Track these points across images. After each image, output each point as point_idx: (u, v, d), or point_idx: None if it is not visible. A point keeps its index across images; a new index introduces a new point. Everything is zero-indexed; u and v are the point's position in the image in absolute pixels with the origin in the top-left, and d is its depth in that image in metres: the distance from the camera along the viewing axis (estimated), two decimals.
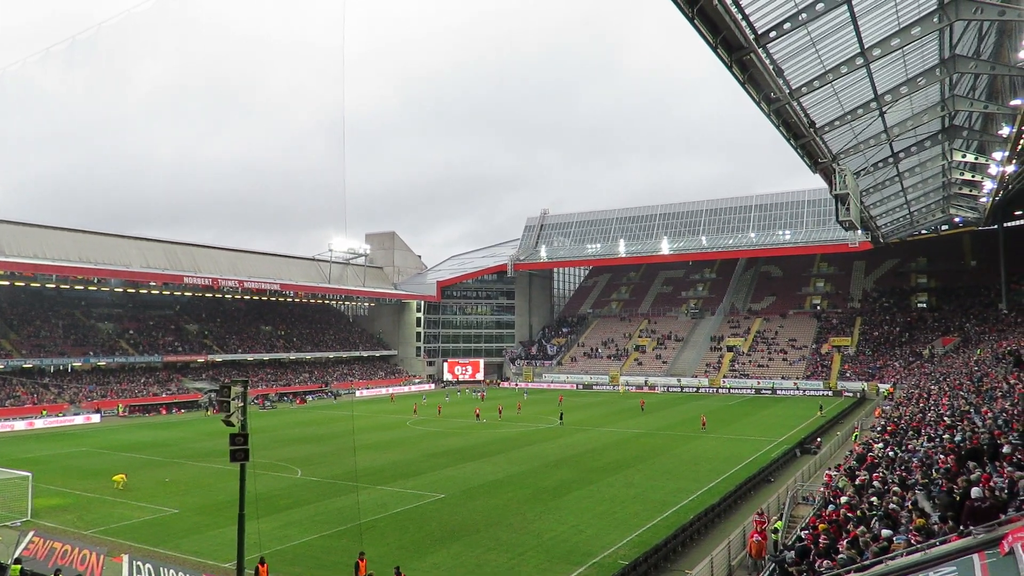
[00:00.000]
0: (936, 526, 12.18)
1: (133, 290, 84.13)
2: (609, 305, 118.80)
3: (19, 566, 20.82)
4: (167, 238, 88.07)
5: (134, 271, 76.18)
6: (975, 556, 9.82)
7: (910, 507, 14.27)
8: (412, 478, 35.95)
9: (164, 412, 71.27)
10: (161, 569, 19.14)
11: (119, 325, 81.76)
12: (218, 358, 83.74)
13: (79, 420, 63.55)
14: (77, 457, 44.32)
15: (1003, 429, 18.23)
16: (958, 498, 12.46)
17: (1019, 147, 32.69)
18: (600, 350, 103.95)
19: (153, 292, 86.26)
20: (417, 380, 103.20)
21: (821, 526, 17.58)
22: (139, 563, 19.63)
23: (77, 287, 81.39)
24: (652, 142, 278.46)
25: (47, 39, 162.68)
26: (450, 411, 67.30)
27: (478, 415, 61.55)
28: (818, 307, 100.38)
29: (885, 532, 13.09)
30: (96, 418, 64.94)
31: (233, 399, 16.04)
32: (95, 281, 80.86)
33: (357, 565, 19.55)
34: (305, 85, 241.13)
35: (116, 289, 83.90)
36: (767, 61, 24.56)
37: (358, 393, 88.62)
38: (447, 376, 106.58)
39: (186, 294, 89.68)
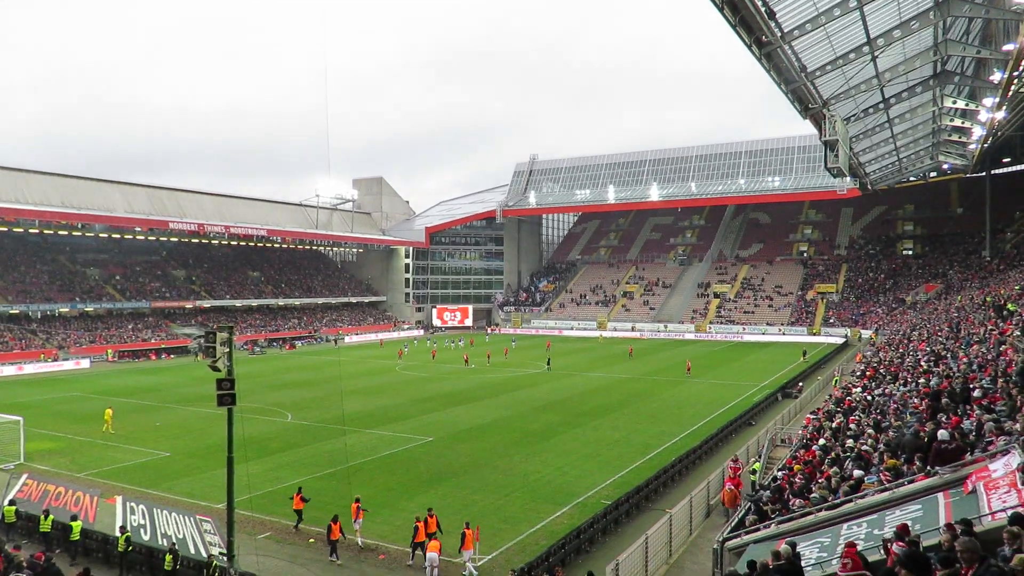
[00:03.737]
0: (905, 467, 12.59)
1: (118, 236, 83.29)
2: (598, 252, 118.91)
3: (13, 507, 21.19)
4: (152, 183, 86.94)
5: (118, 216, 75.26)
6: (940, 495, 10.20)
7: (883, 449, 14.71)
8: (400, 422, 36.47)
9: (154, 357, 71.50)
10: (155, 510, 19.53)
11: (105, 271, 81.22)
12: (206, 304, 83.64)
13: (69, 365, 63.71)
14: (68, 402, 44.61)
15: (976, 373, 18.65)
16: (926, 440, 12.84)
17: (1010, 93, 32.52)
18: (588, 296, 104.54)
19: (139, 238, 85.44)
20: (406, 326, 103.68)
21: (796, 467, 18.12)
22: (133, 504, 20.01)
23: (61, 232, 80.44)
24: (647, 91, 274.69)
25: None
26: (439, 356, 67.87)
27: (467, 361, 62.13)
28: (804, 254, 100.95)
29: (857, 472, 13.51)
30: (86, 363, 65.12)
31: (220, 345, 16.11)
32: (79, 227, 79.92)
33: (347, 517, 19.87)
34: (297, 28, 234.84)
35: (101, 235, 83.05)
36: (759, 3, 24.11)
37: (347, 339, 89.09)
38: (436, 322, 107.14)
39: (172, 240, 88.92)
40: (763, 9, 24.54)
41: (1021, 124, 47.95)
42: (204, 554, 17.63)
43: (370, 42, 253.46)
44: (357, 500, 20.45)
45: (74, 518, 19.65)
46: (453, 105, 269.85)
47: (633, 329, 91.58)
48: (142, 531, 19.19)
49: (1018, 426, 11.34)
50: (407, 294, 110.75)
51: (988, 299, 39.60)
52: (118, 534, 18.74)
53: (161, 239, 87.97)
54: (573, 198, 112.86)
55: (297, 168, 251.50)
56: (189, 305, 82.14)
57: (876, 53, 30.10)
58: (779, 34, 26.65)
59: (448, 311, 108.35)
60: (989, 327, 27.24)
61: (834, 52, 30.52)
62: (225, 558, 16.56)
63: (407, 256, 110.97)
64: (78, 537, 19.43)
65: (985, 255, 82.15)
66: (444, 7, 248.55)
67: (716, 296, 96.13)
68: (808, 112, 36.16)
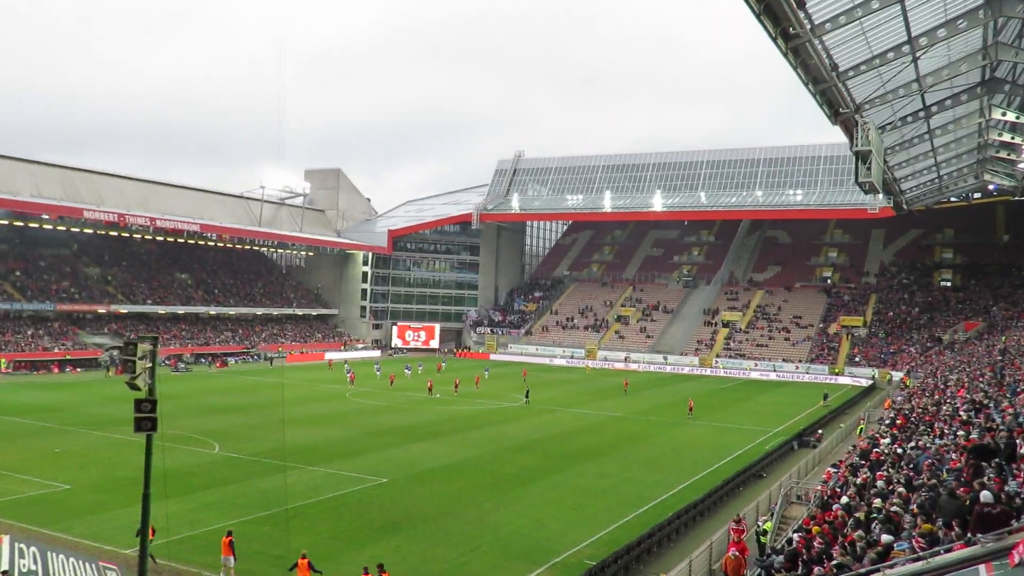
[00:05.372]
0: (942, 532, 12.69)
1: (21, 223, 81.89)
2: (589, 267, 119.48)
3: None
4: (65, 163, 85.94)
5: (22, 200, 74.27)
6: (982, 567, 10.26)
7: (915, 511, 14.82)
8: (350, 459, 36.14)
9: (56, 370, 70.36)
10: (49, 554, 19.11)
11: (3, 264, 79.90)
12: (123, 309, 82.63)
13: None
14: None
15: None
16: (967, 503, 12.95)
17: None
18: (576, 320, 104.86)
19: (46, 227, 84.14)
20: (360, 345, 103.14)
21: (815, 528, 18.18)
22: (22, 546, 19.55)
23: None
24: (656, 89, 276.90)
25: None
26: (398, 383, 67.51)
27: (431, 389, 61.90)
28: (828, 280, 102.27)
29: (885, 537, 13.58)
30: None
31: (140, 358, 15.89)
32: None
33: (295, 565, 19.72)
34: None
35: (0, 221, 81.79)
36: None
37: (285, 357, 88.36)
38: (396, 342, 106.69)
39: (86, 231, 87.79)
40: None
41: None
42: None
43: (335, 13, 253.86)
44: (229, 534, 20.80)
45: None
46: (430, 90, 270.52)
47: (627, 360, 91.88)
48: None
49: None
50: (363, 308, 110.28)
51: None
52: None
53: (72, 230, 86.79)
54: (563, 204, 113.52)
55: (239, 154, 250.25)
56: (102, 310, 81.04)
57: (918, 54, 30.67)
58: (809, 26, 27.07)
59: (411, 330, 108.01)
60: None
61: (870, 50, 31.05)
62: None
63: (365, 263, 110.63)
64: None
65: None
66: None
67: (725, 325, 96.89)
68: (838, 118, 36.70)
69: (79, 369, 71.84)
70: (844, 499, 20.00)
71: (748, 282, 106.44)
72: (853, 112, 35.13)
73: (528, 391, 60.10)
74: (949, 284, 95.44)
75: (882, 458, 24.39)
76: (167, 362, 74.63)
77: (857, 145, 33.91)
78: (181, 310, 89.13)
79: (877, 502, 17.77)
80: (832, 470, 26.65)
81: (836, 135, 40.80)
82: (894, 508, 16.02)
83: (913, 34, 29.50)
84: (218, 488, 30.17)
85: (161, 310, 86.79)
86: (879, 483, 20.13)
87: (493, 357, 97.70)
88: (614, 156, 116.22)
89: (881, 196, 70.12)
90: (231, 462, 34.91)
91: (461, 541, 24.67)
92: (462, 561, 22.96)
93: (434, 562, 22.68)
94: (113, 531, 24.40)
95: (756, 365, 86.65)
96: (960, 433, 21.53)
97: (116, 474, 31.81)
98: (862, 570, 12.40)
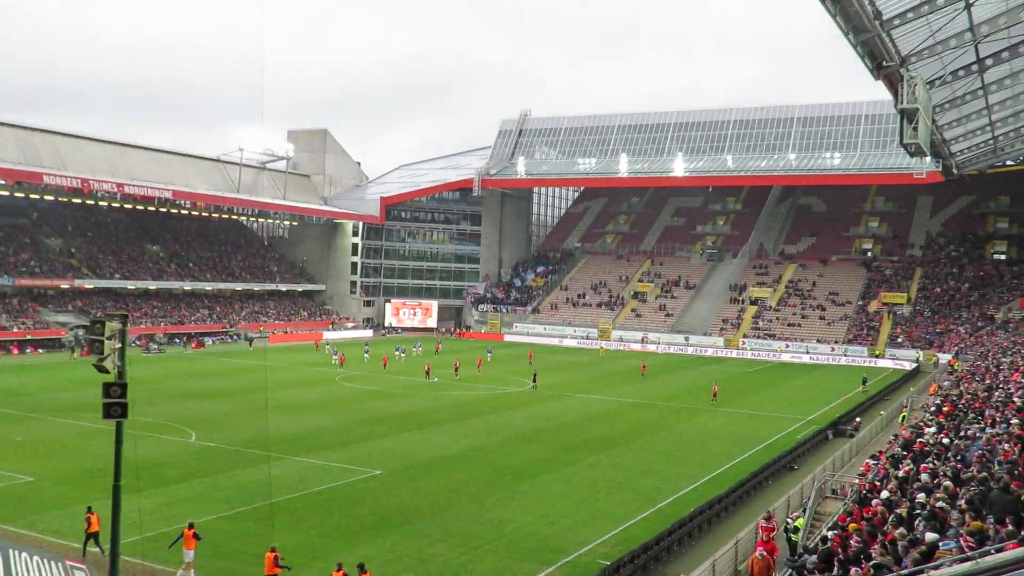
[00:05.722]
0: (993, 530, 12.71)
1: None
2: (603, 239, 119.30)
3: None
4: (23, 123, 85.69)
5: None
6: None
7: (963, 506, 14.85)
8: (340, 449, 36.35)
9: (16, 351, 70.70)
10: (11, 552, 19.24)
11: None
12: (88, 284, 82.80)
13: None
14: None
15: None
16: (1021, 498, 12.98)
17: None
18: (588, 296, 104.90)
19: (2, 193, 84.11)
20: (350, 324, 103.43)
21: (852, 526, 18.24)
22: None
23: None
24: (678, 40, 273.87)
25: None
26: (391, 366, 67.73)
27: (428, 373, 62.08)
28: (868, 253, 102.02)
29: (930, 536, 13.62)
30: None
31: (108, 338, 15.93)
32: None
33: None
34: None
35: None
36: None
37: (268, 337, 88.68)
38: (390, 320, 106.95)
39: (46, 198, 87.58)
40: None
41: None
42: None
43: None
44: (191, 526, 21.13)
45: None
46: (426, 42, 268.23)
47: (644, 341, 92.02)
48: None
49: None
50: (353, 283, 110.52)
51: None
52: None
53: (32, 197, 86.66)
54: (574, 168, 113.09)
55: (216, 113, 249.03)
56: (66, 285, 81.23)
57: (971, 0, 30.32)
58: None
59: (406, 307, 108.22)
60: None
61: None
62: None
63: (355, 234, 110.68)
64: None
65: None
66: None
67: (753, 303, 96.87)
68: (881, 72, 36.36)
69: (41, 350, 72.14)
70: (884, 494, 20.05)
71: (779, 255, 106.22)
72: (898, 65, 34.79)
73: (535, 375, 60.23)
74: (1003, 257, 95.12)
75: (927, 449, 24.41)
76: (138, 342, 74.94)
77: (902, 102, 33.60)
78: (152, 285, 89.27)
79: (921, 497, 17.81)
80: (871, 462, 26.70)
81: (879, 91, 40.36)
82: (940, 504, 16.05)
83: None
84: (195, 480, 30.35)
85: (130, 285, 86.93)
86: (923, 476, 20.16)
87: (503, 338, 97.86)
88: (631, 115, 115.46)
89: (928, 159, 69.69)
90: (209, 452, 35.08)
91: (462, 539, 24.80)
92: (463, 561, 23.09)
93: (432, 562, 22.82)
94: (81, 528, 24.56)
95: (787, 346, 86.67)
96: (1014, 421, 21.53)
97: (84, 465, 32.02)
98: (904, 571, 12.43)
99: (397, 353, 73.32)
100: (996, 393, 30.47)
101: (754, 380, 67.47)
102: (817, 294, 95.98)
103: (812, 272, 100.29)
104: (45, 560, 18.83)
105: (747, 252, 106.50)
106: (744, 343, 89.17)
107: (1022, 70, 42.41)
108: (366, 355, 73.02)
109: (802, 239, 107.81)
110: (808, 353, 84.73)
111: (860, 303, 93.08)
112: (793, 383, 66.22)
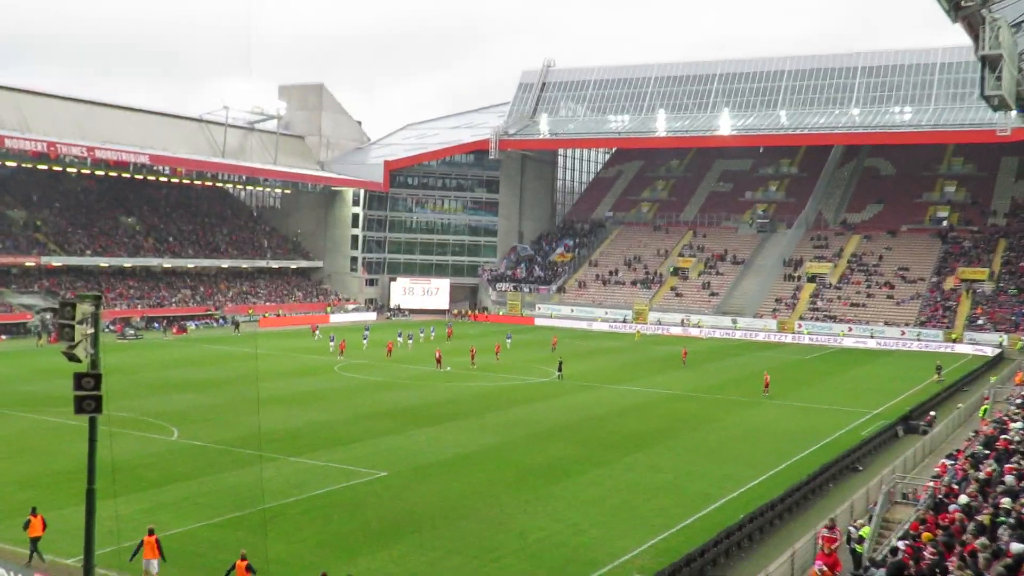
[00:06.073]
0: None
1: None
2: (638, 208, 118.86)
3: None
4: None
5: None
6: None
7: None
8: (341, 447, 36.47)
9: None
10: None
11: None
12: (56, 262, 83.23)
13: None
14: None
15: None
16: None
17: None
18: (622, 273, 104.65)
19: None
20: (351, 306, 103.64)
21: (926, 535, 18.15)
22: None
23: None
24: None
25: None
26: (398, 354, 67.90)
27: (439, 361, 62.18)
28: (944, 222, 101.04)
29: (1016, 547, 13.53)
30: None
31: (79, 323, 15.98)
32: None
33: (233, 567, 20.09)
34: None
35: None
36: None
37: (257, 320, 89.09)
38: (395, 302, 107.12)
39: (8, 164, 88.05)
40: None
41: None
42: None
43: None
44: (152, 532, 21.16)
45: None
46: None
47: (686, 324, 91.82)
48: None
49: None
50: (354, 259, 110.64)
51: None
52: None
53: None
54: (605, 127, 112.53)
55: (198, 67, 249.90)
56: (30, 262, 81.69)
57: None
58: None
59: (415, 285, 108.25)
60: None
61: None
62: None
63: (356, 203, 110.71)
64: None
65: None
66: None
67: (811, 280, 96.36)
68: (960, 13, 35.76)
69: (4, 336, 72.63)
70: (963, 498, 19.94)
71: (841, 225, 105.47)
72: (980, 5, 34.27)
73: (561, 363, 60.23)
74: None
75: (1012, 447, 24.25)
76: (112, 327, 75.47)
77: (984, 48, 33.08)
78: (128, 263, 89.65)
79: (1005, 502, 17.69)
80: (948, 462, 26.56)
81: (956, 36, 39.74)
82: None
83: None
84: (178, 484, 30.47)
85: (103, 263, 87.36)
86: (1008, 478, 20.03)
87: (533, 321, 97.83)
88: (671, 65, 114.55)
89: (1014, 113, 68.79)
90: (193, 451, 35.27)
91: (479, 550, 24.83)
92: (482, 573, 23.15)
93: (446, 574, 22.90)
94: (50, 536, 24.78)
95: (850, 330, 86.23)
96: None
97: (53, 466, 32.24)
98: None
99: (400, 340, 73.41)
100: None
101: (812, 368, 67.17)
102: (884, 270, 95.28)
103: (879, 244, 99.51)
104: (11, 573, 19.06)
105: (803, 222, 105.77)
106: (800, 326, 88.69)
107: None
108: (365, 341, 73.07)
109: (867, 207, 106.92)
110: (874, 337, 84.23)
111: (934, 280, 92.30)
112: (857, 372, 65.81)
